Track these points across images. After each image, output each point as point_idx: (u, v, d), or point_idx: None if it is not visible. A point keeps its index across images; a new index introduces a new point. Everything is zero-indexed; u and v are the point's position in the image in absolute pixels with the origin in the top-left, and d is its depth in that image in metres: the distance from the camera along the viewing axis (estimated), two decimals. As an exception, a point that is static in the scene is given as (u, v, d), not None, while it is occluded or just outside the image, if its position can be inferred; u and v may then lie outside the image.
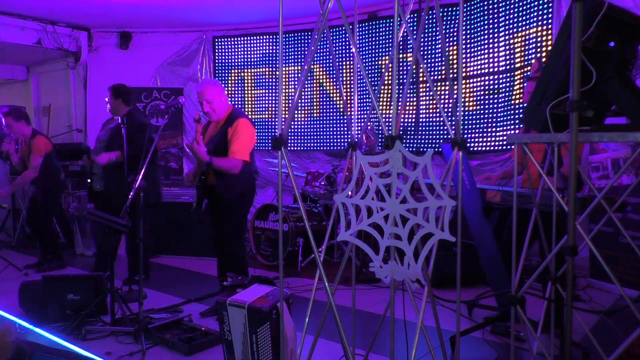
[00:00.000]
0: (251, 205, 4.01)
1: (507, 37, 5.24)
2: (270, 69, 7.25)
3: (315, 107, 6.95)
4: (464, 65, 5.53)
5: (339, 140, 6.70)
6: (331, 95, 6.81)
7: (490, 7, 5.36)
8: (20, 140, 5.30)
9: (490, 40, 5.39)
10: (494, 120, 5.38)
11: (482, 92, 5.49)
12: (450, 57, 5.50)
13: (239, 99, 7.44)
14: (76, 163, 6.75)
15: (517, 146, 2.42)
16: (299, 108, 6.97)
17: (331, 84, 6.79)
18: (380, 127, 5.67)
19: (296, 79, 6.96)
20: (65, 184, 6.00)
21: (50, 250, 5.35)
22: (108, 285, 3.52)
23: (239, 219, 3.86)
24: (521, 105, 5.04)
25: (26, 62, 8.33)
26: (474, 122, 5.55)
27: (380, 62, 6.30)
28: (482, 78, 5.47)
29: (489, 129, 5.43)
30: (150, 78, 7.57)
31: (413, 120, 5.87)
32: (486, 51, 5.42)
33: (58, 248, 5.44)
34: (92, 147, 5.61)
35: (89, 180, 4.79)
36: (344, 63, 6.62)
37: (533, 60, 4.89)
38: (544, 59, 4.86)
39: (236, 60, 7.42)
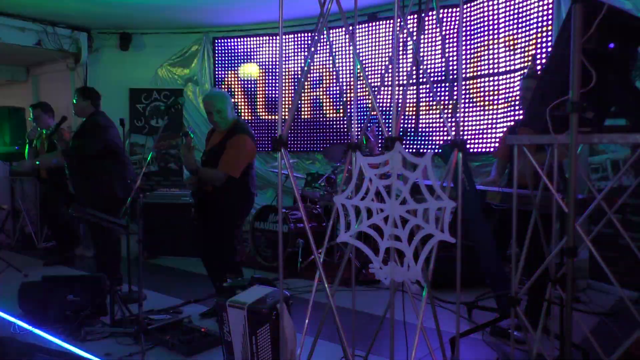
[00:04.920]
0: (246, 217, 3.95)
1: (507, 38, 5.24)
2: (271, 70, 7.25)
3: (315, 108, 6.95)
4: (464, 66, 5.54)
5: (339, 141, 6.69)
6: (331, 96, 6.81)
7: (491, 8, 5.37)
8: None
9: (490, 42, 5.39)
10: (494, 121, 5.38)
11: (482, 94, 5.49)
12: (451, 58, 5.50)
13: (239, 99, 7.44)
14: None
15: (517, 147, 2.42)
16: (299, 109, 6.98)
17: (331, 84, 6.79)
18: (380, 129, 5.68)
19: (296, 79, 6.96)
20: None
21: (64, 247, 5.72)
22: (107, 285, 3.53)
23: (230, 227, 3.71)
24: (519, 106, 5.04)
25: (26, 63, 8.32)
26: (474, 123, 5.55)
27: (379, 63, 6.31)
28: (483, 79, 5.48)
29: (489, 130, 5.43)
30: (150, 79, 7.58)
31: (413, 121, 5.87)
32: (486, 52, 5.43)
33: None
34: None
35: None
36: (345, 63, 6.62)
37: (531, 64, 4.89)
38: (538, 60, 4.87)
39: (236, 61, 7.42)
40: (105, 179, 4.23)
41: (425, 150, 5.90)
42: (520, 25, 5.12)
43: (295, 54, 6.97)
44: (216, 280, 3.74)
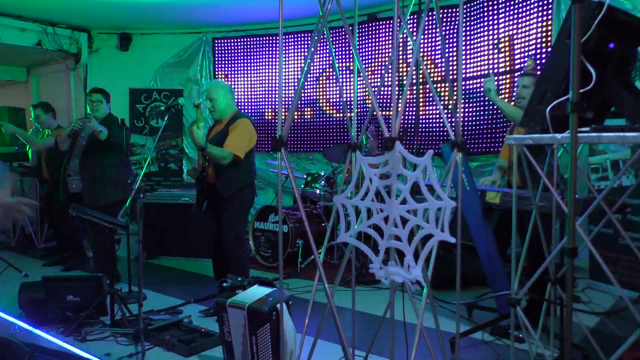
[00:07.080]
0: (251, 206, 4.02)
1: (507, 38, 5.24)
2: (270, 70, 7.24)
3: (315, 108, 6.95)
4: (463, 66, 5.54)
5: (339, 141, 6.69)
6: (331, 96, 6.81)
7: (490, 8, 5.37)
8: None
9: (490, 42, 5.39)
10: (494, 121, 5.38)
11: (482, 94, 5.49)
12: (451, 58, 5.50)
13: (239, 100, 7.43)
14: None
15: (515, 147, 2.41)
16: (299, 109, 6.97)
17: (331, 84, 6.79)
18: (380, 129, 5.68)
19: (296, 80, 6.96)
20: None
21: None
22: (107, 286, 3.53)
23: (237, 216, 3.84)
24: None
25: (26, 63, 8.32)
26: (474, 123, 5.55)
27: (380, 63, 6.30)
28: (483, 79, 5.48)
29: (489, 130, 5.43)
30: (149, 79, 7.57)
31: (413, 121, 5.87)
32: (486, 52, 5.43)
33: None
34: None
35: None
36: (345, 64, 6.62)
37: (530, 61, 4.89)
38: (537, 60, 4.87)
39: (236, 62, 7.41)
40: (114, 174, 4.41)
41: (425, 150, 5.89)
42: (520, 25, 5.12)
43: (296, 53, 6.96)
44: (221, 276, 3.76)
